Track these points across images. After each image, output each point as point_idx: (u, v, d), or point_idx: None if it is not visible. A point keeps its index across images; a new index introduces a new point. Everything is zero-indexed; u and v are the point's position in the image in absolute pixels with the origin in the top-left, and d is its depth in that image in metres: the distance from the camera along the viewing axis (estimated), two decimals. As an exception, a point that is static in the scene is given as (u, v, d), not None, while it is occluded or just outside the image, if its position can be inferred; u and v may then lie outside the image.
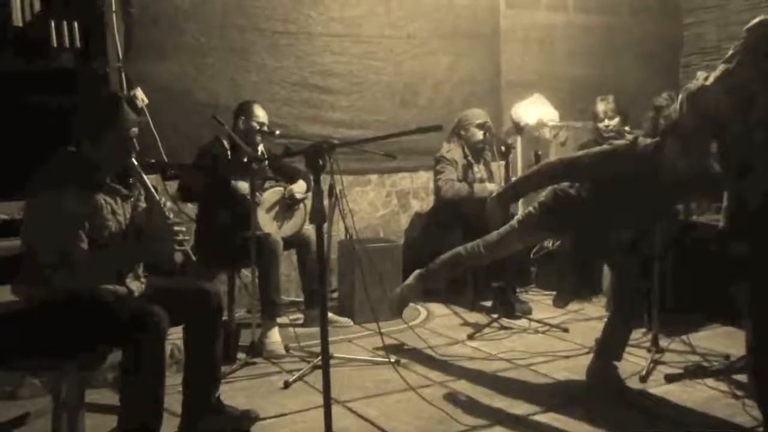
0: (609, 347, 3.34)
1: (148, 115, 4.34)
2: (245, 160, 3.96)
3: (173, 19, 4.57)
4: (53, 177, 2.48)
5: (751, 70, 2.27)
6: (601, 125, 4.78)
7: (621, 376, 3.30)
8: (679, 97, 2.53)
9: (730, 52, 2.32)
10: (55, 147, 2.60)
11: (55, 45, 4.19)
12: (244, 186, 3.91)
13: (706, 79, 2.37)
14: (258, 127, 4.06)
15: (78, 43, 4.25)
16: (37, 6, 4.24)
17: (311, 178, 4.16)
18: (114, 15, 4.36)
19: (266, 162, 4.08)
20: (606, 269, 4.82)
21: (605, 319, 4.44)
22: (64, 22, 4.21)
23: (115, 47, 4.37)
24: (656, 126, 4.21)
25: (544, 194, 3.56)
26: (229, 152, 4.03)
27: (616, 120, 4.72)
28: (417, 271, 3.95)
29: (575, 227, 3.50)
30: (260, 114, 4.10)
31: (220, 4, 4.72)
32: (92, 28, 4.35)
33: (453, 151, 4.79)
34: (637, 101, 4.84)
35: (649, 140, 3.20)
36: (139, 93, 4.36)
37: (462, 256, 3.81)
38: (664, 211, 3.50)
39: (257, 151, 4.08)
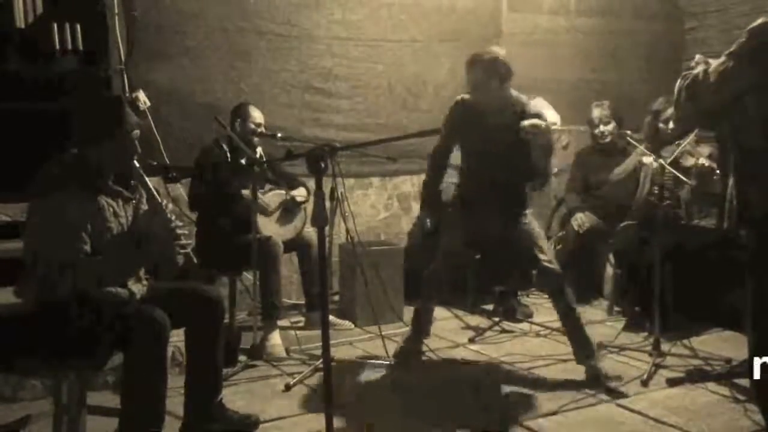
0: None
1: (150, 117, 4.35)
2: (243, 162, 3.98)
3: (175, 22, 4.58)
4: (55, 179, 2.49)
5: (750, 71, 2.27)
6: (596, 131, 4.80)
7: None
8: (677, 83, 2.53)
9: (733, 48, 2.32)
10: (58, 149, 2.60)
11: (57, 47, 4.20)
12: (247, 193, 3.90)
13: (705, 72, 2.36)
14: (255, 129, 4.06)
15: (80, 46, 4.26)
16: (40, 8, 4.25)
17: (309, 187, 4.20)
18: (116, 18, 4.37)
19: (266, 165, 4.08)
20: (608, 273, 4.82)
21: (607, 323, 4.47)
22: (67, 25, 4.22)
23: (118, 50, 4.37)
24: (656, 130, 4.22)
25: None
26: (228, 155, 4.03)
27: (611, 125, 4.73)
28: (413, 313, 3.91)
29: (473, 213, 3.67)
30: (256, 115, 4.11)
31: (222, 7, 4.72)
32: (94, 31, 4.36)
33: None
34: (639, 105, 4.84)
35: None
36: (141, 95, 4.37)
37: (433, 272, 3.76)
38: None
39: (255, 153, 4.08)
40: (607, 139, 4.77)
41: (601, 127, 4.77)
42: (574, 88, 6.03)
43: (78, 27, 4.25)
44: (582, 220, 4.72)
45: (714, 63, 2.36)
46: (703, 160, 4.08)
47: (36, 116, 3.98)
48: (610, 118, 4.74)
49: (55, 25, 4.19)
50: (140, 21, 4.44)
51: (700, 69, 2.39)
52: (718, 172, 4.02)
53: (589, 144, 4.99)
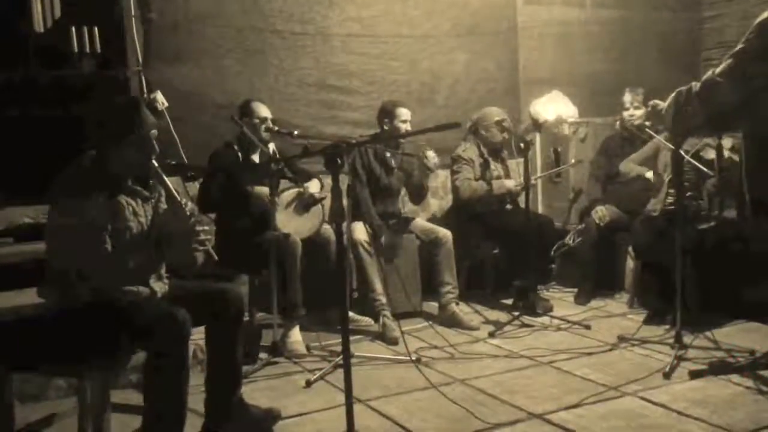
0: None
1: (167, 117, 4.38)
2: (256, 161, 4.00)
3: (191, 22, 4.61)
4: (75, 180, 2.51)
5: (764, 66, 2.24)
6: (626, 114, 4.78)
7: None
8: (669, 97, 2.51)
9: (741, 46, 2.29)
10: (77, 151, 2.63)
11: (75, 51, 4.24)
12: (262, 191, 3.92)
13: (713, 75, 2.33)
14: (259, 123, 4.06)
15: (98, 49, 4.30)
16: (58, 13, 4.30)
17: (321, 178, 4.23)
18: (133, 20, 4.40)
19: (282, 164, 4.09)
20: (628, 266, 4.78)
21: (628, 316, 4.45)
22: (85, 29, 4.26)
23: (135, 52, 4.41)
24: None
25: None
26: (240, 155, 4.04)
27: (642, 111, 4.71)
28: None
29: None
30: (261, 110, 4.09)
31: (238, 7, 4.75)
32: (112, 34, 4.40)
33: (469, 150, 4.78)
34: (656, 96, 4.80)
35: None
36: (159, 96, 4.41)
37: None
38: None
39: (268, 150, 4.09)
40: (634, 125, 4.75)
41: (632, 110, 4.76)
42: (590, 80, 6.00)
43: (95, 30, 4.29)
44: (603, 213, 4.69)
45: (722, 65, 2.33)
46: (726, 153, 4.05)
47: (55, 119, 4.03)
48: (641, 104, 4.73)
49: (73, 29, 4.23)
50: (156, 23, 4.48)
51: (709, 73, 2.36)
52: None
53: (616, 132, 4.97)
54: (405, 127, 4.38)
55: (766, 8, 2.36)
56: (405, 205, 5.08)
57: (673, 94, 2.48)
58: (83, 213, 2.44)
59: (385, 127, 4.45)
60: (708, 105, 2.35)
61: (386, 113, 4.45)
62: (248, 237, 3.92)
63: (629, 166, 4.68)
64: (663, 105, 2.56)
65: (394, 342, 4.01)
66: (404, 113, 4.41)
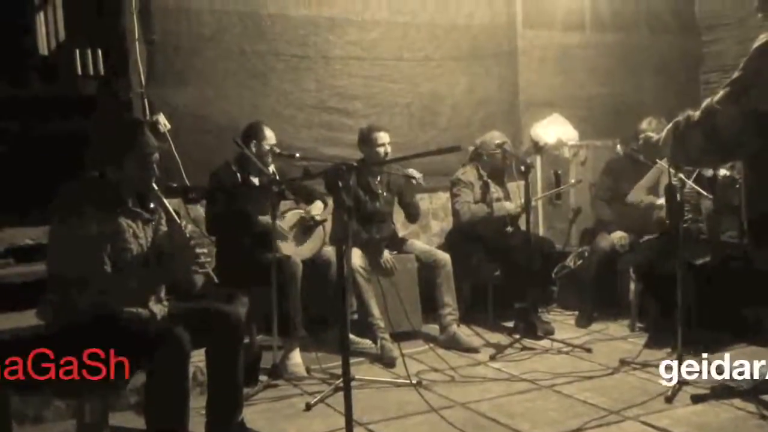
0: None
1: (170, 139, 4.39)
2: (256, 183, 4.00)
3: (194, 45, 4.64)
4: (76, 201, 2.52)
5: (764, 90, 2.24)
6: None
7: None
8: (666, 129, 2.51)
9: (738, 73, 2.29)
10: (79, 172, 2.64)
11: (79, 73, 4.27)
12: (265, 220, 3.91)
13: (713, 104, 2.34)
14: (270, 150, 4.07)
15: (101, 71, 4.34)
16: (62, 35, 4.34)
17: (326, 199, 4.22)
18: (136, 42, 4.44)
19: (283, 186, 4.09)
20: (632, 288, 4.76)
21: (629, 339, 4.42)
22: (88, 51, 4.30)
23: (138, 74, 4.44)
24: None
25: None
26: (239, 177, 4.05)
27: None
28: None
29: None
30: (270, 135, 4.12)
31: (240, 30, 4.79)
32: (115, 56, 4.44)
33: (468, 173, 4.78)
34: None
35: None
36: (161, 118, 4.43)
37: None
38: None
39: (269, 172, 4.10)
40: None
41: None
42: (590, 103, 6.03)
43: (99, 52, 4.32)
44: (625, 240, 4.66)
45: (720, 93, 2.33)
46: (724, 171, 4.06)
47: (59, 140, 4.05)
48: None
49: (77, 51, 4.26)
50: (159, 45, 4.51)
51: (708, 101, 2.36)
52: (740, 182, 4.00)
53: (621, 154, 4.95)
54: (383, 150, 4.37)
55: (764, 32, 2.37)
56: (407, 228, 5.09)
57: (670, 125, 2.48)
58: (83, 232, 2.45)
59: (365, 154, 4.43)
60: (709, 133, 2.35)
61: (364, 140, 4.43)
62: (249, 257, 3.92)
63: (639, 195, 4.64)
64: (656, 137, 2.56)
65: (392, 364, 3.99)
66: (381, 137, 4.38)
